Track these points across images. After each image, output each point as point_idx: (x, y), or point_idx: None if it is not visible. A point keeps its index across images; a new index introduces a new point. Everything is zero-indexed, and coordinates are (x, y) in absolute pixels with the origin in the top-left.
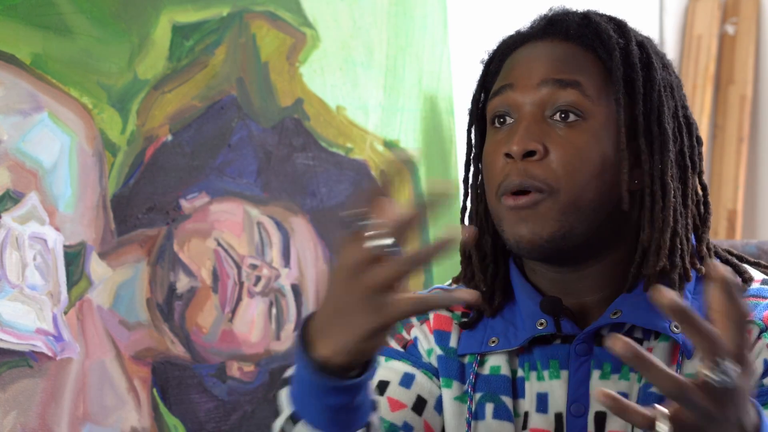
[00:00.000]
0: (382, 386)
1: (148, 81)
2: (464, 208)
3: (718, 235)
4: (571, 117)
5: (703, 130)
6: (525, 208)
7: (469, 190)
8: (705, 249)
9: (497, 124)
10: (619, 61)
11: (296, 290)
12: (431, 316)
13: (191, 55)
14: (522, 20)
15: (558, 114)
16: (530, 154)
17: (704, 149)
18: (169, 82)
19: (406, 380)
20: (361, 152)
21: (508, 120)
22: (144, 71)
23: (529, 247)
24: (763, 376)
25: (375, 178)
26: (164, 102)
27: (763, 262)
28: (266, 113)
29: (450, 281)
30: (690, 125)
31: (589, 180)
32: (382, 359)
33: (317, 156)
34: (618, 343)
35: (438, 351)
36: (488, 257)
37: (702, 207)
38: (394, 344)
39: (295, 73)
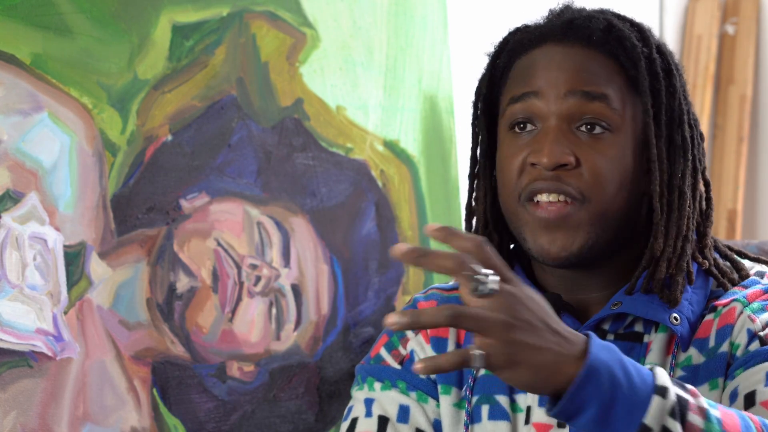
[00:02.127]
0: (383, 424)
1: (148, 81)
2: (469, 203)
3: (718, 235)
4: (597, 129)
5: (703, 130)
6: (556, 221)
7: (475, 186)
8: (706, 243)
9: (517, 129)
10: (645, 72)
11: (296, 290)
12: None
13: (191, 55)
14: (523, 21)
15: (584, 126)
16: (561, 165)
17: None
18: (169, 82)
19: (403, 414)
20: (361, 152)
21: (529, 126)
22: (144, 71)
23: (556, 259)
24: (749, 343)
25: (376, 179)
26: (164, 102)
27: (763, 258)
28: (266, 113)
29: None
30: (695, 122)
31: (617, 190)
32: (378, 386)
33: (317, 156)
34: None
35: None
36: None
37: (704, 203)
38: (390, 361)
39: (295, 73)
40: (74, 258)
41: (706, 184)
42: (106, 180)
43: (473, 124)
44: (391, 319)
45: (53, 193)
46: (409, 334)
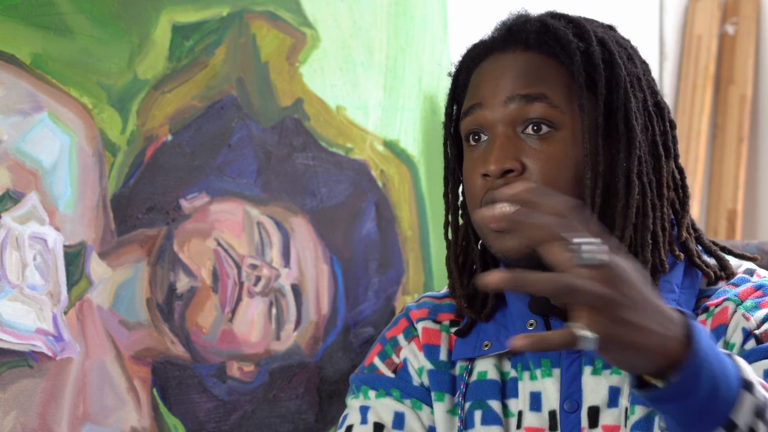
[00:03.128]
0: (378, 429)
1: (148, 81)
2: (447, 222)
3: (718, 235)
4: (543, 129)
5: (703, 130)
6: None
7: (450, 204)
8: (685, 234)
9: (472, 142)
10: (580, 66)
11: (296, 290)
12: (420, 330)
13: (191, 55)
14: None
15: (530, 127)
16: (508, 172)
17: (704, 149)
18: (169, 82)
19: (398, 421)
20: (361, 152)
21: (483, 137)
22: (144, 71)
23: (518, 257)
24: (744, 342)
25: (376, 179)
26: (164, 102)
27: (748, 254)
28: (266, 113)
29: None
30: (661, 110)
31: (569, 187)
32: (372, 394)
33: (317, 156)
34: (492, 280)
35: (428, 366)
36: (478, 267)
37: (680, 191)
38: (384, 369)
39: (295, 73)
40: (74, 258)
41: (680, 171)
42: (106, 180)
43: (444, 145)
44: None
45: (53, 193)
46: (402, 342)
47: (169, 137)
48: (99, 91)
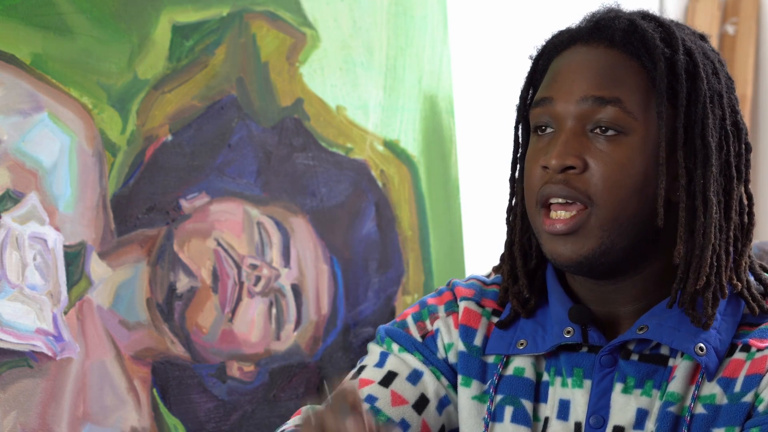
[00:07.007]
0: (390, 377)
1: (148, 81)
2: (510, 207)
3: None
4: (612, 131)
5: None
6: (565, 232)
7: (516, 190)
8: (743, 263)
9: (539, 132)
10: (663, 72)
11: (296, 290)
12: (461, 308)
13: (191, 55)
14: (522, 20)
15: (599, 128)
16: (569, 168)
17: None
18: (169, 82)
19: (414, 376)
20: (361, 152)
21: (550, 128)
22: (144, 71)
23: (568, 263)
24: None
25: (376, 179)
26: (164, 102)
27: None
28: (266, 113)
29: (490, 272)
30: (739, 131)
31: (629, 195)
32: (395, 348)
33: (317, 156)
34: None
35: (460, 347)
36: (533, 259)
37: (746, 217)
38: (414, 331)
39: (295, 73)
40: (74, 258)
41: (749, 197)
42: (106, 180)
43: (515, 128)
44: None
45: (53, 193)
46: (441, 312)
47: (169, 137)
48: (99, 91)
